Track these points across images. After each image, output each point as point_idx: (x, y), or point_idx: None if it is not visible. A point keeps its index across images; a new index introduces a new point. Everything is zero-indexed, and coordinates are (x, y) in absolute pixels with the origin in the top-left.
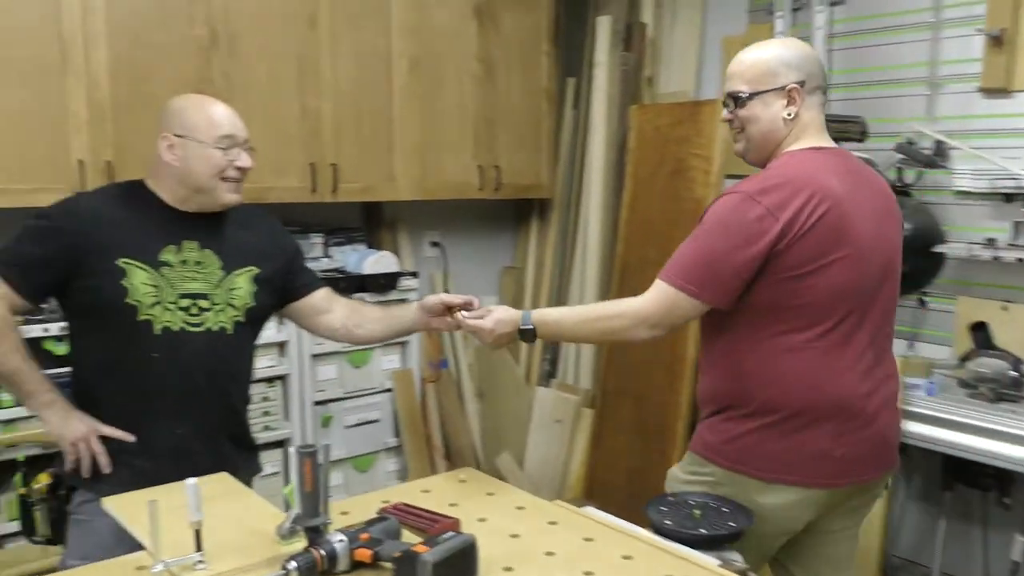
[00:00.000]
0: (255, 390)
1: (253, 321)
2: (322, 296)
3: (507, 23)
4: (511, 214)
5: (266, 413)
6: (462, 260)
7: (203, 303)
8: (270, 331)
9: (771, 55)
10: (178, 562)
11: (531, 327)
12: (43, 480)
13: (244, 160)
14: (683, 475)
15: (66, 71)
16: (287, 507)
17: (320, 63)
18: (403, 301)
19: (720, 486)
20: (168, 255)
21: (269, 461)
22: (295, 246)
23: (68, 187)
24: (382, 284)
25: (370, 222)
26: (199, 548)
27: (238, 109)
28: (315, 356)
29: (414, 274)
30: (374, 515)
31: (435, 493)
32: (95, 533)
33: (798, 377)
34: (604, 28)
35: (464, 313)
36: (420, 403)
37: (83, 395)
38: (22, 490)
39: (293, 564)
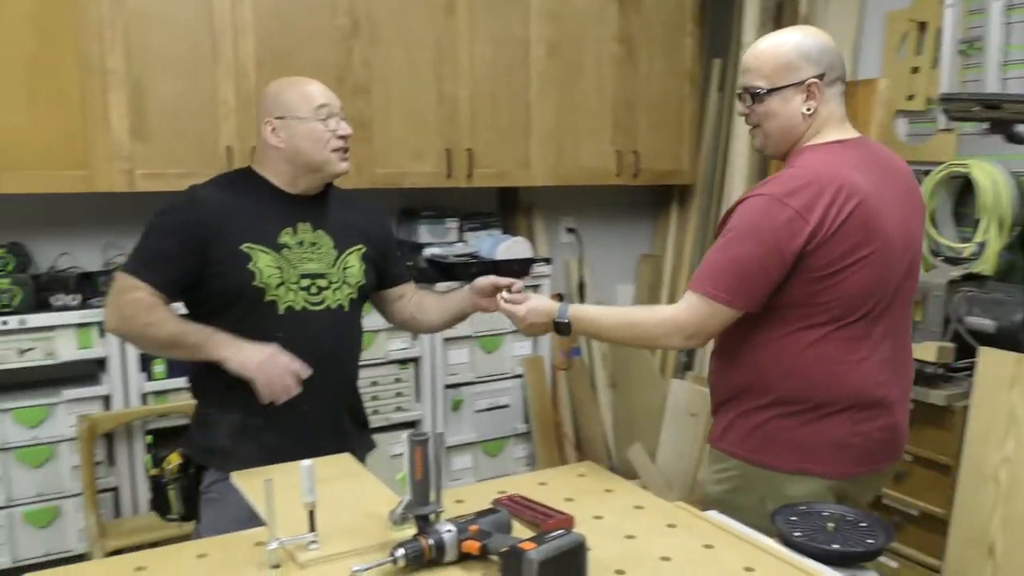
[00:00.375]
0: (388, 372)
1: (363, 298)
2: (406, 286)
3: (649, 3)
4: (650, 200)
5: (398, 395)
6: (598, 247)
7: (321, 282)
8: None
9: (790, 48)
10: (292, 541)
11: (566, 321)
12: (174, 460)
13: (344, 127)
14: (711, 475)
15: (217, 62)
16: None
17: (457, 49)
18: (536, 287)
19: (743, 480)
20: (286, 237)
21: (401, 442)
22: (392, 232)
23: (216, 172)
24: (515, 270)
25: (505, 207)
26: (312, 528)
27: (377, 95)
28: (447, 340)
29: (548, 260)
30: (487, 506)
31: (552, 486)
32: (228, 509)
33: (818, 368)
34: (753, 5)
35: (504, 295)
36: (551, 390)
37: (209, 377)
38: (153, 470)
39: (401, 551)
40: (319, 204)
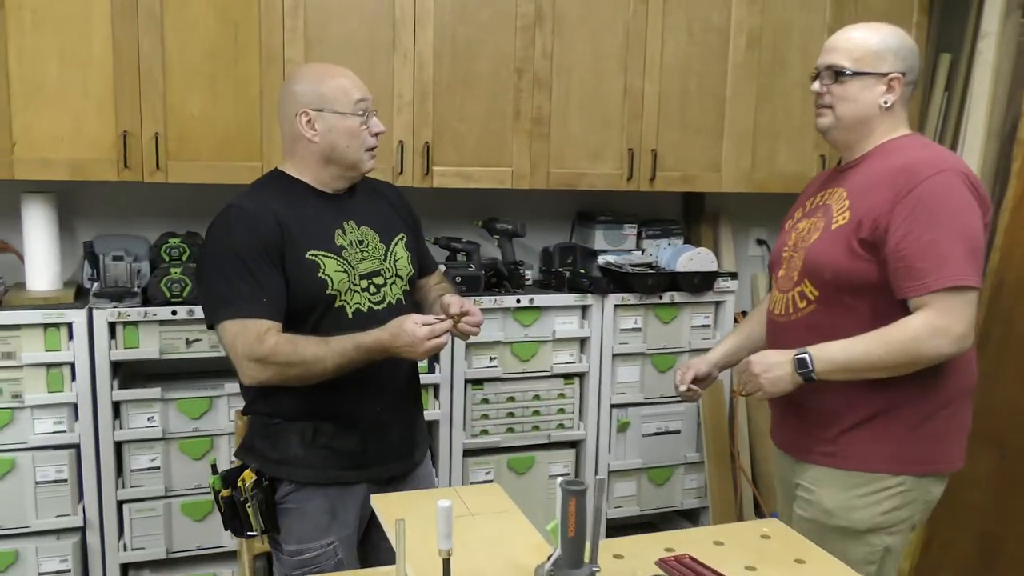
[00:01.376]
0: (551, 386)
1: (413, 289)
2: (438, 275)
3: None
4: None
5: (560, 411)
6: None
7: (378, 279)
8: (571, 325)
9: (881, 39)
10: None
11: (809, 366)
12: (248, 478)
13: (378, 124)
14: (859, 501)
15: (395, 50)
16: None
17: (648, 39)
18: (719, 304)
19: (906, 495)
20: (340, 239)
21: (561, 461)
22: (416, 214)
23: (387, 166)
24: (696, 284)
25: (689, 214)
26: None
27: (557, 89)
28: (617, 355)
29: (733, 275)
30: (652, 568)
31: (730, 547)
32: (307, 517)
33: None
34: None
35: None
36: (728, 418)
37: (272, 387)
38: (226, 492)
39: None
40: (355, 199)
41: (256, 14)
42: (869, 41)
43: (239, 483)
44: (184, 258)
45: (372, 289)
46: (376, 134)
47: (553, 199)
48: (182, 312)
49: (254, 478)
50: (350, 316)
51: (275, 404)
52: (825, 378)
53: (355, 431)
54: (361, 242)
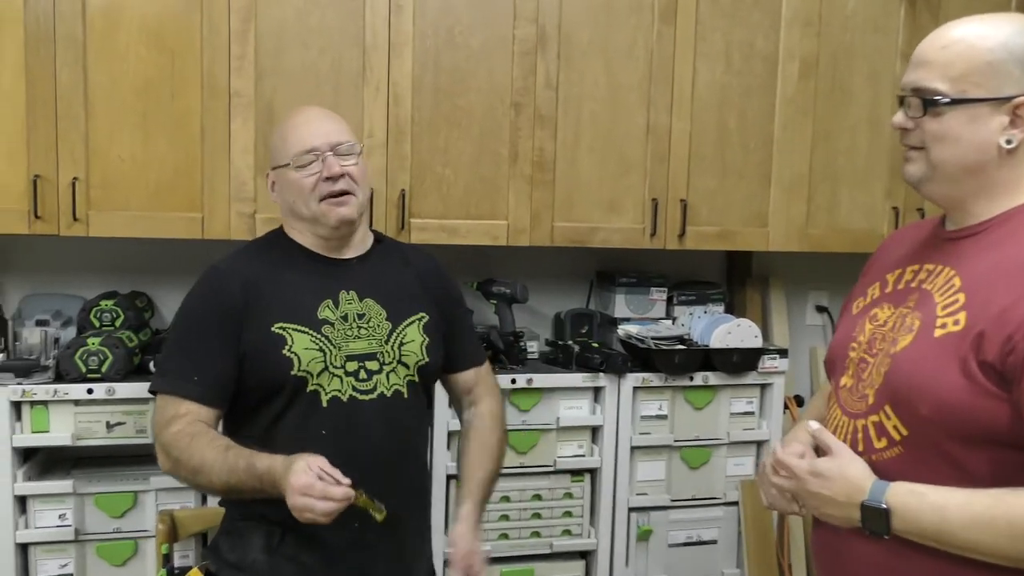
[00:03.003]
0: (555, 483)
1: (427, 382)
2: (479, 375)
3: (953, 7)
4: None
5: (567, 514)
6: None
7: (371, 364)
8: (581, 411)
9: (999, 43)
10: None
11: (883, 506)
12: None
13: (330, 166)
14: None
15: (365, 81)
16: None
17: (676, 67)
18: (765, 387)
19: None
20: (327, 312)
21: (570, 572)
22: (460, 295)
23: None
24: (735, 363)
25: (732, 276)
26: None
27: (564, 126)
28: (636, 448)
29: (783, 352)
30: None
31: None
32: None
33: None
34: None
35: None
36: (777, 526)
37: None
38: None
39: None
40: (366, 266)
41: (197, 41)
42: (978, 48)
43: None
44: (117, 323)
45: (362, 375)
46: (330, 177)
47: (570, 256)
48: (100, 391)
49: None
50: (324, 405)
51: (242, 501)
52: (907, 528)
53: (327, 546)
54: (360, 316)
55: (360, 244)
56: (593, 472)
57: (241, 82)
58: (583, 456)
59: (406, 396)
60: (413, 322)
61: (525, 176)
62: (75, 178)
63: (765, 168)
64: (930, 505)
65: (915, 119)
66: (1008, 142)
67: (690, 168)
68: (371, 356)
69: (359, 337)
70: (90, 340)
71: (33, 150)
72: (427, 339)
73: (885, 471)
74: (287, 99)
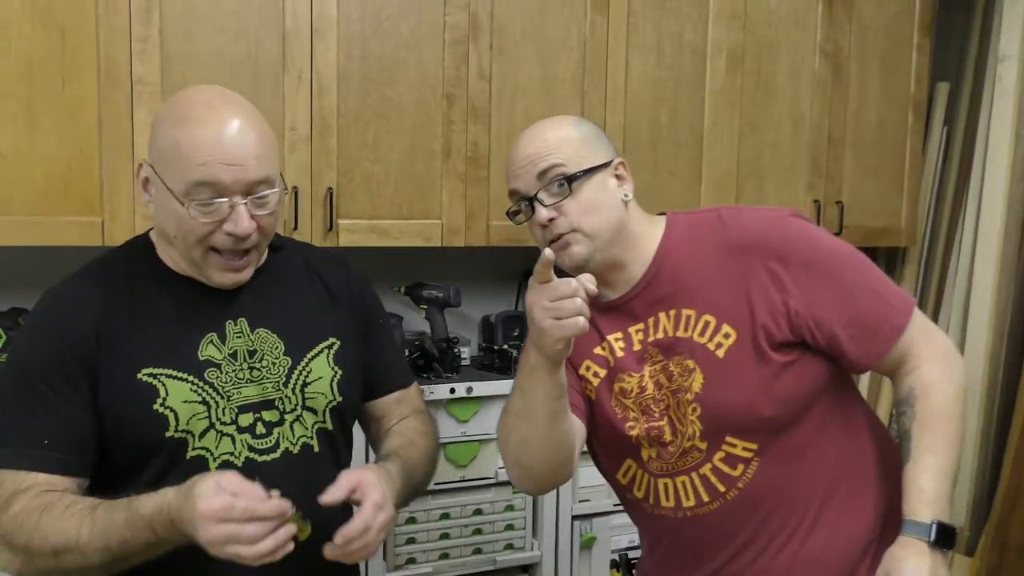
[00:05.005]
0: (496, 496)
1: (344, 425)
2: (403, 397)
3: (867, 6)
4: None
5: (509, 527)
6: None
7: (270, 415)
8: None
9: (572, 127)
10: None
11: (929, 523)
12: None
13: (239, 219)
14: None
15: (285, 70)
16: None
17: (609, 60)
18: None
19: None
20: (210, 350)
21: None
22: (377, 303)
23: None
24: None
25: None
26: None
27: (498, 120)
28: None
29: None
30: None
31: None
32: None
33: None
34: (1018, 7)
35: None
36: None
37: None
38: None
39: None
40: (258, 284)
41: (92, 17)
42: (568, 133)
43: None
44: None
45: (259, 429)
46: (232, 235)
47: (497, 257)
48: None
49: None
50: (214, 470)
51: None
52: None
53: None
54: (252, 354)
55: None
56: None
57: (145, 68)
58: None
59: (317, 449)
60: (319, 352)
61: (458, 173)
62: None
63: (695, 163)
64: (930, 482)
65: (557, 205)
66: (625, 195)
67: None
68: (268, 404)
69: (252, 381)
70: None
71: None
72: (338, 372)
73: (754, 491)
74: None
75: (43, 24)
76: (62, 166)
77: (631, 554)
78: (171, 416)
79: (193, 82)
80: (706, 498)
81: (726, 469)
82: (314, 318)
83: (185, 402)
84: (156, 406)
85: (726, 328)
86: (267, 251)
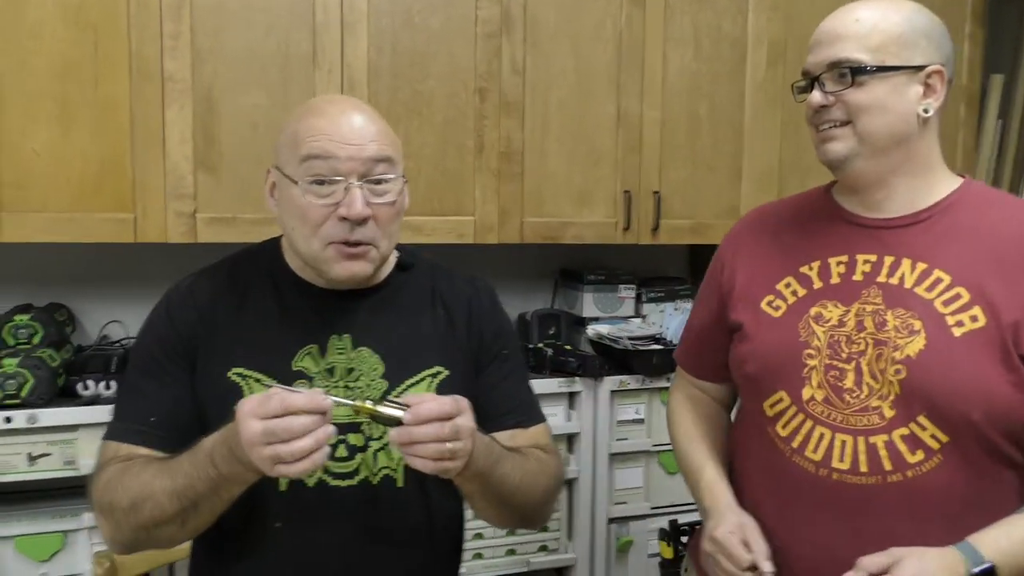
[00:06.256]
0: None
1: None
2: (518, 436)
3: None
4: None
5: (543, 529)
6: None
7: (354, 438)
8: (556, 419)
9: (904, 18)
10: None
11: (988, 566)
12: None
13: (353, 202)
14: None
15: (316, 65)
16: None
17: (646, 52)
18: None
19: None
20: (306, 361)
21: None
22: (508, 335)
23: None
24: None
25: (698, 271)
26: None
27: (532, 115)
28: (615, 455)
29: None
30: None
31: None
32: None
33: None
34: None
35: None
36: None
37: (214, 568)
38: None
39: None
40: (374, 302)
41: (123, 16)
42: (889, 21)
43: None
44: (35, 340)
45: (339, 452)
46: (346, 218)
47: (533, 254)
48: (19, 418)
49: None
50: (282, 488)
51: None
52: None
53: None
54: (350, 372)
55: (374, 275)
56: (570, 483)
57: (175, 65)
58: None
59: (401, 484)
60: (420, 380)
61: (492, 169)
62: None
63: (736, 159)
64: (1020, 538)
65: (836, 93)
66: (925, 111)
67: (662, 158)
68: (354, 427)
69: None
70: (6, 361)
71: None
72: None
73: (921, 486)
74: (229, 84)
75: (76, 24)
76: (95, 164)
77: (682, 519)
78: None
79: (223, 78)
80: (864, 468)
81: (903, 449)
82: (424, 344)
83: None
84: (237, 407)
85: (976, 311)
86: (393, 266)
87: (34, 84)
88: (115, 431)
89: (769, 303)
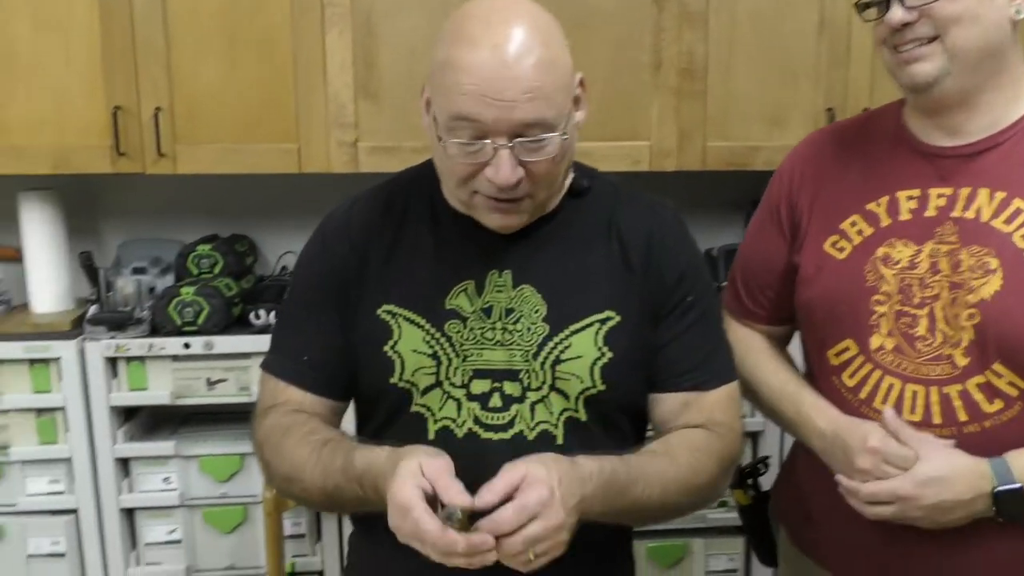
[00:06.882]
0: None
1: (609, 420)
2: (694, 401)
3: None
4: None
5: None
6: None
7: (511, 387)
8: None
9: None
10: None
11: (1018, 486)
12: None
13: (501, 168)
14: None
15: None
16: None
17: None
18: None
19: None
20: (461, 299)
21: (726, 553)
22: (695, 274)
23: None
24: None
25: None
26: None
27: (720, 24)
28: None
29: None
30: None
31: None
32: None
33: None
34: None
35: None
36: None
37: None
38: None
39: None
40: (540, 234)
41: None
42: None
43: None
44: (216, 270)
45: (493, 401)
46: (492, 181)
47: (719, 183)
48: (197, 345)
49: None
50: (431, 437)
51: (358, 536)
52: None
53: None
54: (508, 313)
55: (539, 205)
56: (755, 436)
57: None
58: (745, 418)
59: (560, 442)
60: (587, 326)
61: (671, 87)
62: (158, 108)
63: None
64: None
65: (920, 7)
66: (1017, 12)
67: (873, 71)
68: (512, 375)
69: (501, 344)
70: (184, 290)
71: (111, 82)
72: (607, 354)
73: (1001, 437)
74: (388, 7)
75: None
76: (260, 95)
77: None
78: (397, 362)
79: (382, 1)
80: (938, 420)
81: (979, 398)
82: (594, 284)
83: (414, 351)
84: (386, 348)
85: None
86: (566, 192)
87: (201, 21)
88: (271, 364)
89: (833, 244)
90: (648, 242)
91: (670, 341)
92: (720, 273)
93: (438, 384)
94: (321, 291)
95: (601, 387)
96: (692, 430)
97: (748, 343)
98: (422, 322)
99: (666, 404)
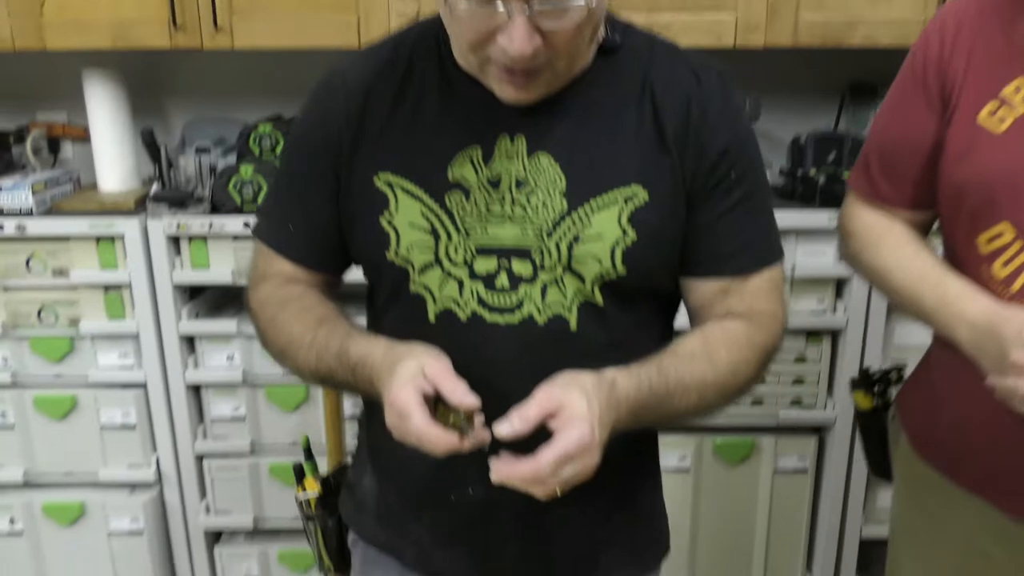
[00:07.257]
0: (787, 344)
1: (628, 308)
2: (733, 288)
3: None
4: None
5: (798, 381)
6: None
7: (520, 266)
8: (825, 259)
9: None
10: None
11: None
12: (311, 488)
13: (515, 37)
14: None
15: None
16: None
17: None
18: None
19: None
20: (465, 169)
21: (795, 452)
22: (740, 147)
23: None
24: None
25: None
26: None
27: None
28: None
29: None
30: None
31: None
32: None
33: None
34: None
35: None
36: None
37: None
38: (298, 489)
39: None
40: (562, 95)
41: None
42: None
43: (300, 488)
44: (278, 150)
45: (500, 281)
46: (505, 51)
47: (811, 61)
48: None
49: (318, 493)
50: (431, 320)
51: (369, 434)
52: None
53: (444, 526)
54: (520, 185)
55: (561, 75)
56: (835, 334)
57: None
58: (824, 313)
59: (574, 328)
60: (610, 203)
61: None
62: None
63: None
64: None
65: None
66: None
67: None
68: (522, 253)
69: (511, 219)
70: (243, 168)
71: None
72: (630, 235)
73: None
74: None
75: None
76: None
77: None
78: (393, 236)
79: None
80: None
81: None
82: (622, 155)
83: (411, 224)
84: (382, 220)
85: None
86: (595, 51)
87: None
88: (260, 228)
89: (991, 113)
90: (688, 109)
91: (710, 223)
92: (807, 160)
93: (437, 262)
94: (310, 157)
95: (622, 271)
96: (734, 323)
97: (880, 228)
98: (420, 193)
99: (704, 290)
